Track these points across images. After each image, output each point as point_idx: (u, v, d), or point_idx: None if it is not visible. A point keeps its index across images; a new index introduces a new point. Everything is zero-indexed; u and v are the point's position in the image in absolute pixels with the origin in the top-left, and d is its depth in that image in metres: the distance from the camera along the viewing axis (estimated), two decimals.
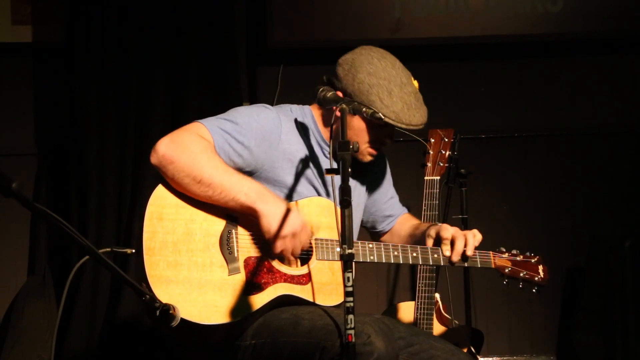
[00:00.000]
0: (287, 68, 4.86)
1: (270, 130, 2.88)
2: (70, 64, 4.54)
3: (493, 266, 3.07)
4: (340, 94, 2.92)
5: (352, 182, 3.03)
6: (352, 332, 2.42)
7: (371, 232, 3.35)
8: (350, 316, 2.42)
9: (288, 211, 2.77)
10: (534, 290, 3.12)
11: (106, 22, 4.50)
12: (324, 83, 2.99)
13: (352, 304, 2.43)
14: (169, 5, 4.54)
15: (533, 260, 3.13)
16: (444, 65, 4.98)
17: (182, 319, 2.60)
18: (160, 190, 2.79)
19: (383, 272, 4.89)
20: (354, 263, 2.51)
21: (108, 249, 2.64)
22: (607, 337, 4.74)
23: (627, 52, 5.01)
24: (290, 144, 2.92)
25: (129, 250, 2.75)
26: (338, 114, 2.77)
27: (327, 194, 2.98)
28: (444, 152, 3.86)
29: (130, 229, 4.45)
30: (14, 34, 4.68)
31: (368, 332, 2.60)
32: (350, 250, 2.45)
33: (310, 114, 3.01)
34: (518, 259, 3.11)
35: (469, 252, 2.99)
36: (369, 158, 3.01)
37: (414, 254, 2.98)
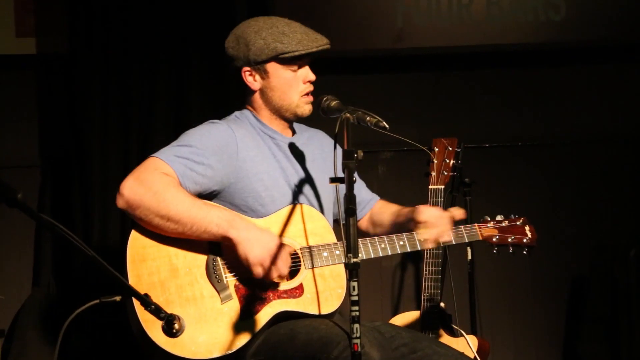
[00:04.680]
0: None
1: (226, 142, 2.90)
2: (74, 75, 4.54)
3: (480, 238, 3.10)
4: (247, 68, 2.98)
5: (314, 171, 3.06)
6: (357, 341, 2.42)
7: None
8: (356, 325, 2.42)
9: (262, 234, 2.76)
10: (524, 253, 3.13)
11: (109, 33, 4.51)
12: (235, 79, 3.04)
13: (357, 313, 2.42)
14: (171, 13, 4.55)
15: (519, 223, 3.16)
16: (446, 75, 4.98)
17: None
18: (135, 233, 2.79)
19: (387, 281, 4.88)
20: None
21: (97, 301, 2.63)
22: (613, 345, 4.73)
23: (631, 60, 5.01)
24: (248, 150, 2.94)
25: (117, 298, 2.70)
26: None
27: (298, 185, 2.99)
28: (448, 161, 3.86)
29: None
30: (18, 46, 4.69)
31: (362, 342, 2.59)
32: (355, 259, 2.45)
33: (252, 115, 3.06)
34: (504, 224, 3.13)
35: (444, 239, 3.02)
36: (308, 108, 3.04)
37: (401, 242, 3.00)
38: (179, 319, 2.57)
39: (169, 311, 2.64)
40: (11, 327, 4.51)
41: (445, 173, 3.86)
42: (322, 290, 2.88)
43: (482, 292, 4.64)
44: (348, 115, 2.75)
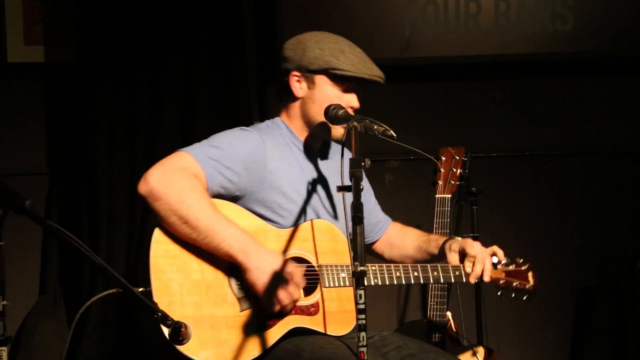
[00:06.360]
0: None
1: (256, 152, 2.86)
2: (82, 83, 4.57)
3: (488, 279, 3.03)
4: (297, 73, 2.95)
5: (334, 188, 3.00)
6: (364, 349, 2.41)
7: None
8: (362, 334, 2.41)
9: (272, 264, 2.71)
10: (524, 299, 3.11)
11: (116, 41, 4.53)
12: (279, 82, 3.02)
13: (364, 321, 2.42)
14: (180, 24, 4.56)
15: (523, 268, 3.12)
16: (454, 84, 4.99)
17: None
18: (159, 232, 2.74)
19: (394, 290, 4.88)
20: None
21: (115, 290, 2.63)
22: (620, 357, 4.71)
23: (639, 71, 5.01)
24: (274, 162, 2.90)
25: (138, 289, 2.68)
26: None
27: (323, 201, 2.97)
28: (455, 170, 3.86)
29: (141, 247, 4.46)
30: (26, 54, 4.72)
31: None
32: (362, 268, 2.44)
33: (284, 125, 3.02)
34: (510, 268, 3.10)
35: (486, 278, 3.00)
36: (341, 132, 2.95)
37: (435, 273, 2.98)
38: (185, 326, 2.56)
39: (187, 312, 2.66)
40: (18, 333, 4.52)
41: (452, 182, 3.87)
42: (336, 311, 2.84)
43: (488, 301, 4.63)
44: (355, 123, 2.73)
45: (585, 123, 5.03)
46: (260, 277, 2.69)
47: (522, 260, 3.13)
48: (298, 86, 2.98)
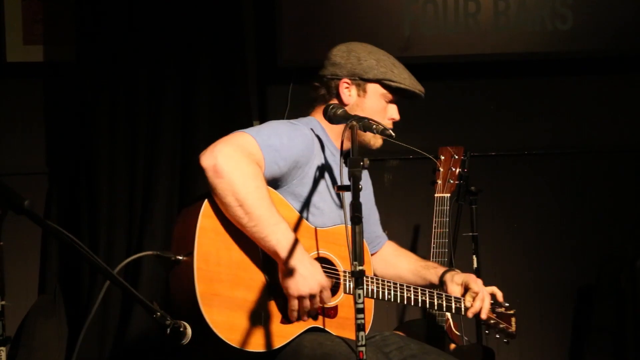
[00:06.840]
0: (296, 87, 4.87)
1: (308, 149, 2.91)
2: (81, 83, 4.57)
3: (485, 317, 3.16)
4: (348, 80, 3.01)
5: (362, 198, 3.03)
6: (362, 349, 2.42)
7: None
8: (361, 333, 2.42)
9: (312, 274, 2.74)
10: (504, 341, 3.25)
11: (117, 41, 4.53)
12: (321, 86, 3.07)
13: (362, 321, 2.42)
14: (180, 24, 4.57)
15: (510, 312, 3.24)
16: (453, 83, 4.99)
17: (221, 341, 2.62)
18: (208, 205, 2.76)
19: None
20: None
21: (153, 252, 2.68)
22: (619, 358, 4.71)
23: (639, 70, 5.00)
24: (315, 160, 2.94)
25: (173, 257, 2.71)
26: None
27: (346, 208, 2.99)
28: (454, 169, 3.86)
29: (140, 248, 4.46)
30: (26, 54, 4.72)
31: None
32: (361, 267, 2.45)
33: (319, 125, 3.04)
34: (500, 310, 3.22)
35: (483, 316, 3.11)
36: (380, 142, 3.07)
37: (439, 301, 3.08)
38: (184, 326, 2.56)
39: (222, 289, 2.67)
40: (17, 333, 4.52)
41: (451, 181, 3.86)
42: (352, 318, 2.85)
43: None
44: (354, 123, 2.74)
45: (585, 122, 5.03)
46: (297, 281, 2.72)
47: (508, 304, 3.23)
48: (347, 93, 3.05)
